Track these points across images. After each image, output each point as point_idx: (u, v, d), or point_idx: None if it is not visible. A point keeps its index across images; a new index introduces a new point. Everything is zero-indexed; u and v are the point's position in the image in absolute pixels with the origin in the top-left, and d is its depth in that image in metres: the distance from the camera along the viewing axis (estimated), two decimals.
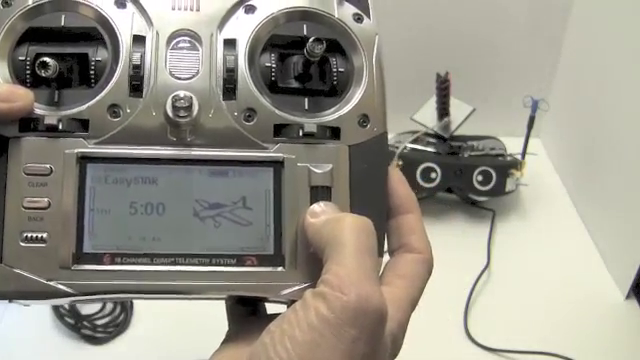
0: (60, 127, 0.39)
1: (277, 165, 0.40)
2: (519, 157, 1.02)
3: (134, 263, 0.38)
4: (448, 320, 0.87)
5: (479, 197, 1.02)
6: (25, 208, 0.38)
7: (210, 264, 0.39)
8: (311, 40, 0.40)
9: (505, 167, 1.00)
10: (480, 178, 0.99)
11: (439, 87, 1.02)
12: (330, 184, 0.40)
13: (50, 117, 0.39)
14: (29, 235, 0.38)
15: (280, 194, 0.40)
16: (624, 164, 0.94)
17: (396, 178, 0.42)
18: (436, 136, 1.05)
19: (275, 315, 0.39)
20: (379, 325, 0.34)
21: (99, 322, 0.82)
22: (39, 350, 0.79)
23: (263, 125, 0.40)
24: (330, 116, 0.41)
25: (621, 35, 0.95)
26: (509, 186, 1.00)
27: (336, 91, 0.42)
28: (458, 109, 1.05)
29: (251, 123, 0.40)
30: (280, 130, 0.41)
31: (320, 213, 0.39)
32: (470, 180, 0.99)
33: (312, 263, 0.39)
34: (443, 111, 1.04)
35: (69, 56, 0.40)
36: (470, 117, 1.04)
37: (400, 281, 0.39)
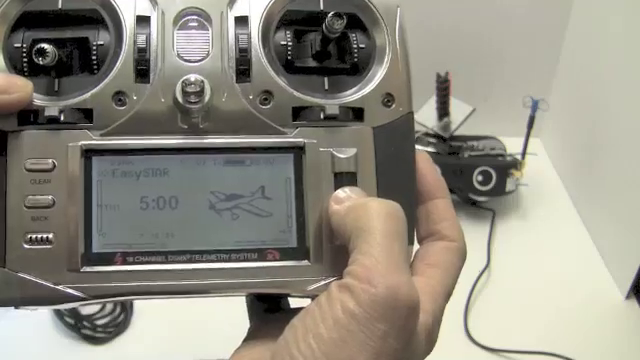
0: (62, 118, 0.36)
1: (297, 151, 0.37)
2: (519, 157, 1.02)
3: (147, 262, 0.36)
4: (448, 320, 0.86)
5: (479, 197, 1.02)
6: (28, 207, 0.36)
7: (229, 260, 0.37)
8: (330, 15, 0.37)
9: (505, 167, 1.00)
10: (480, 178, 0.99)
11: (439, 87, 1.02)
12: (355, 169, 0.37)
13: (51, 108, 0.36)
14: (33, 236, 0.35)
15: (302, 182, 0.37)
16: (624, 164, 0.94)
17: (423, 161, 0.39)
18: (436, 136, 1.05)
19: (299, 309, 0.37)
20: (411, 319, 0.32)
21: (99, 322, 0.82)
22: (39, 350, 0.79)
23: (281, 108, 0.38)
24: (352, 96, 0.39)
25: (621, 35, 0.95)
26: (509, 186, 1.00)
27: (357, 69, 0.40)
28: (458, 109, 1.05)
29: (268, 106, 0.38)
30: (299, 113, 0.38)
31: (345, 199, 0.36)
32: (470, 180, 0.99)
33: (339, 255, 0.36)
34: (443, 111, 1.04)
35: (68, 41, 0.38)
36: (470, 117, 1.04)
37: (432, 270, 0.36)
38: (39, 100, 0.37)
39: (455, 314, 0.87)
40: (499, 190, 1.00)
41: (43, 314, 0.82)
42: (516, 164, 1.01)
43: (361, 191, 0.37)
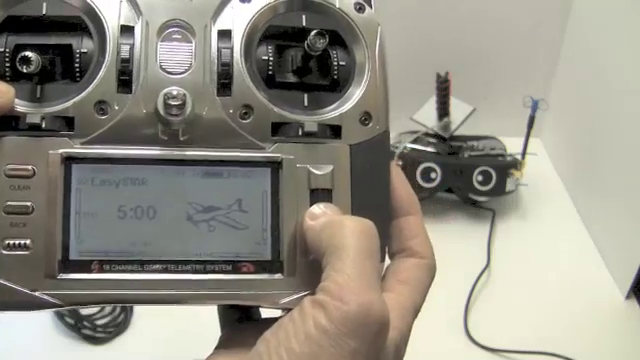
0: (43, 125, 0.36)
1: (275, 166, 0.38)
2: (519, 157, 1.02)
3: (124, 271, 0.36)
4: (448, 320, 0.87)
5: (479, 197, 1.02)
6: (6, 213, 0.36)
7: (204, 271, 0.37)
8: (313, 34, 0.38)
9: (505, 167, 1.00)
10: (480, 178, 0.99)
11: (439, 87, 1.02)
12: (331, 186, 0.38)
13: (32, 115, 0.36)
14: (11, 242, 0.36)
15: (278, 196, 0.38)
16: (624, 164, 0.94)
17: (397, 177, 0.40)
18: (436, 136, 1.05)
19: (270, 320, 0.37)
20: (381, 336, 0.32)
21: (99, 322, 0.82)
22: (39, 350, 0.79)
23: (260, 123, 0.38)
24: (331, 113, 0.39)
25: (621, 35, 0.95)
26: (509, 186, 1.00)
27: (337, 86, 0.40)
28: (458, 109, 1.05)
29: (247, 121, 0.38)
30: (278, 128, 0.38)
31: (320, 215, 0.37)
32: (470, 180, 0.99)
33: (312, 270, 0.37)
34: (443, 111, 1.04)
35: (52, 47, 0.38)
36: (470, 117, 1.04)
37: (402, 287, 0.37)
38: (21, 106, 0.36)
39: (455, 314, 0.87)
40: (499, 190, 1.00)
41: (43, 314, 0.82)
42: (516, 164, 1.01)
43: (336, 208, 0.37)
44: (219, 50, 0.39)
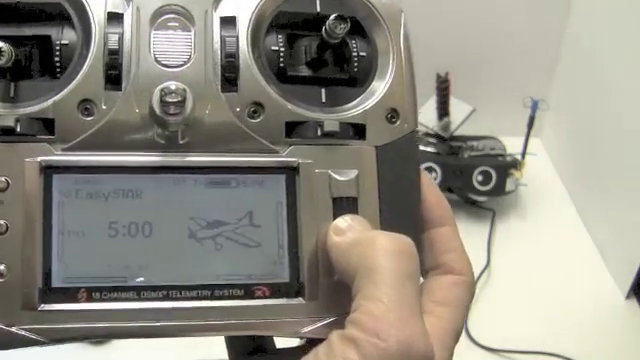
0: (18, 129, 0.31)
1: (290, 172, 0.33)
2: (519, 157, 1.02)
3: (117, 299, 0.31)
4: None
5: (479, 197, 1.02)
6: None
7: (212, 297, 0.32)
8: (332, 18, 0.32)
9: (505, 167, 1.00)
10: (480, 178, 0.99)
11: (439, 87, 1.02)
12: (356, 194, 0.33)
13: (5, 117, 0.31)
14: None
15: (295, 207, 0.33)
16: (624, 164, 0.94)
17: (426, 183, 0.35)
18: (436, 136, 1.05)
19: (287, 351, 0.34)
20: None
21: None
22: (39, 350, 0.79)
23: (272, 123, 0.33)
24: (352, 111, 0.34)
25: (621, 35, 0.95)
26: (509, 186, 1.00)
27: (357, 80, 0.35)
28: (458, 109, 1.05)
29: (257, 120, 0.33)
30: (293, 129, 0.33)
31: (346, 229, 0.31)
32: (470, 180, 0.99)
33: (337, 291, 0.32)
34: (443, 111, 1.04)
35: (27, 39, 0.33)
36: (470, 117, 1.04)
37: (441, 310, 0.32)
38: None
39: None
40: (499, 190, 1.00)
41: None
42: (516, 164, 1.01)
43: (365, 221, 0.32)
44: (223, 39, 0.33)
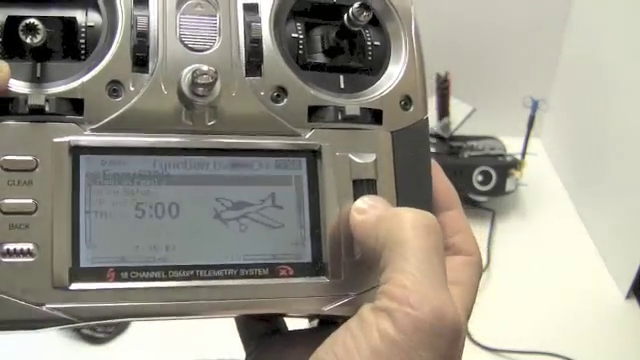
0: (47, 109, 0.31)
1: (312, 154, 0.34)
2: (519, 157, 1.02)
3: (145, 279, 0.31)
4: None
5: (479, 197, 1.02)
6: (4, 213, 0.30)
7: (238, 276, 0.32)
8: (357, 5, 0.33)
9: (505, 167, 1.00)
10: (480, 178, 0.99)
11: (439, 87, 1.02)
12: (374, 177, 0.34)
13: (34, 96, 0.31)
14: (11, 247, 0.30)
15: (317, 189, 0.34)
16: (624, 164, 0.94)
17: (435, 171, 0.37)
18: (436, 136, 1.05)
19: (301, 332, 0.35)
20: (456, 343, 0.28)
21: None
22: (39, 350, 0.79)
23: (295, 107, 0.34)
24: (370, 97, 0.35)
25: (621, 35, 0.95)
26: (509, 186, 1.00)
27: (372, 68, 0.36)
28: (458, 109, 1.05)
29: (281, 104, 0.34)
30: (314, 112, 0.34)
31: (369, 209, 0.32)
32: (470, 180, 0.99)
33: (359, 270, 0.33)
34: (443, 111, 1.04)
35: (52, 21, 0.32)
36: (470, 117, 1.04)
37: (453, 288, 0.32)
38: (19, 87, 0.31)
39: None
40: (499, 190, 1.00)
41: None
42: (516, 164, 1.01)
43: (385, 201, 0.33)
44: (247, 25, 0.34)
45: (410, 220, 0.30)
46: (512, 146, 1.04)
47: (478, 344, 0.83)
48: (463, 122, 1.04)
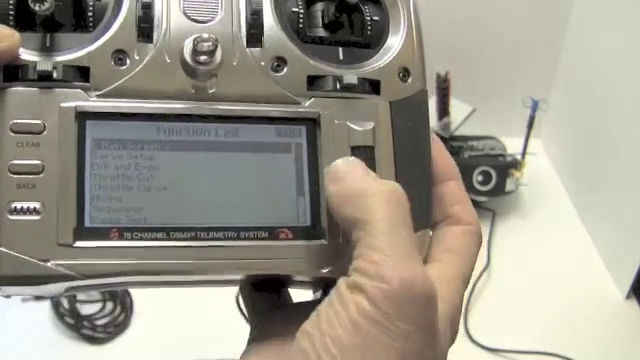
0: (55, 75, 0.32)
1: (312, 122, 0.35)
2: (519, 157, 1.02)
3: (147, 238, 0.32)
4: None
5: (479, 197, 1.02)
6: (13, 173, 0.31)
7: (238, 238, 0.33)
8: None
9: (505, 167, 1.00)
10: (480, 178, 0.99)
11: (439, 87, 1.02)
12: (372, 143, 0.35)
13: (43, 63, 0.32)
14: (19, 206, 0.31)
15: (316, 155, 0.35)
16: (624, 164, 0.94)
17: (435, 143, 0.37)
18: (436, 136, 1.05)
19: (303, 304, 0.36)
20: (430, 310, 0.29)
21: (99, 322, 0.82)
22: (39, 350, 0.79)
23: (295, 76, 0.35)
24: (368, 68, 0.37)
25: (621, 35, 0.95)
26: (509, 186, 1.00)
27: (370, 42, 0.38)
28: (458, 109, 1.05)
29: (281, 74, 0.35)
30: (313, 82, 0.36)
31: (344, 176, 0.33)
32: (470, 180, 0.99)
33: None
34: (443, 111, 1.04)
35: None
36: (470, 117, 1.04)
37: (450, 256, 0.34)
38: (29, 55, 0.33)
39: None
40: (499, 190, 1.00)
41: (43, 314, 0.82)
42: (516, 164, 1.01)
43: (362, 165, 0.33)
44: None
45: (375, 195, 0.31)
46: (512, 146, 1.04)
47: (478, 344, 0.83)
48: (463, 122, 1.04)
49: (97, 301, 0.84)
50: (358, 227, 0.31)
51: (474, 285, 0.91)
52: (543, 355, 0.82)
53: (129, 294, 0.84)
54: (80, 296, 0.84)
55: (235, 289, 0.78)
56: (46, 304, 0.82)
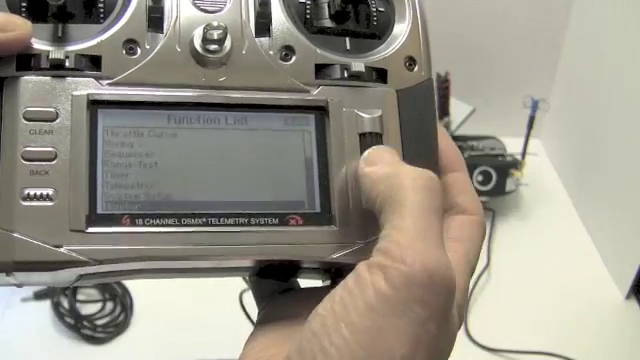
0: (67, 64, 0.33)
1: (320, 110, 0.36)
2: (519, 157, 1.02)
3: (159, 224, 0.33)
4: None
5: (479, 197, 1.02)
6: (26, 160, 0.32)
7: (248, 224, 0.34)
8: None
9: (505, 167, 1.00)
10: (480, 178, 0.99)
11: (439, 87, 1.02)
12: (380, 131, 0.36)
13: (55, 52, 0.33)
14: (32, 192, 0.32)
15: (325, 142, 0.35)
16: (624, 164, 0.94)
17: (441, 134, 0.37)
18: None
19: (313, 289, 0.36)
20: (449, 301, 0.29)
21: (99, 322, 0.82)
22: (39, 350, 0.79)
23: (303, 65, 0.36)
24: (375, 57, 0.37)
25: (621, 35, 0.95)
26: (509, 186, 1.00)
27: (376, 33, 0.38)
28: (458, 109, 1.05)
29: (289, 63, 0.36)
30: (321, 71, 0.36)
31: (377, 160, 0.33)
32: (470, 180, 0.99)
33: (366, 220, 0.34)
34: (443, 111, 1.04)
35: None
36: (470, 117, 1.04)
37: (456, 245, 0.34)
38: (41, 45, 0.33)
39: None
40: (499, 190, 1.00)
41: (43, 314, 0.82)
42: (516, 164, 1.01)
43: (393, 150, 0.34)
44: None
45: (410, 178, 0.31)
46: (512, 146, 1.04)
47: (478, 344, 0.83)
48: (463, 122, 1.04)
49: (97, 301, 0.84)
50: (388, 207, 0.30)
51: (474, 285, 0.91)
52: (543, 355, 0.82)
53: (129, 294, 0.84)
54: (80, 296, 0.84)
55: (237, 288, 0.78)
56: (46, 304, 0.82)
